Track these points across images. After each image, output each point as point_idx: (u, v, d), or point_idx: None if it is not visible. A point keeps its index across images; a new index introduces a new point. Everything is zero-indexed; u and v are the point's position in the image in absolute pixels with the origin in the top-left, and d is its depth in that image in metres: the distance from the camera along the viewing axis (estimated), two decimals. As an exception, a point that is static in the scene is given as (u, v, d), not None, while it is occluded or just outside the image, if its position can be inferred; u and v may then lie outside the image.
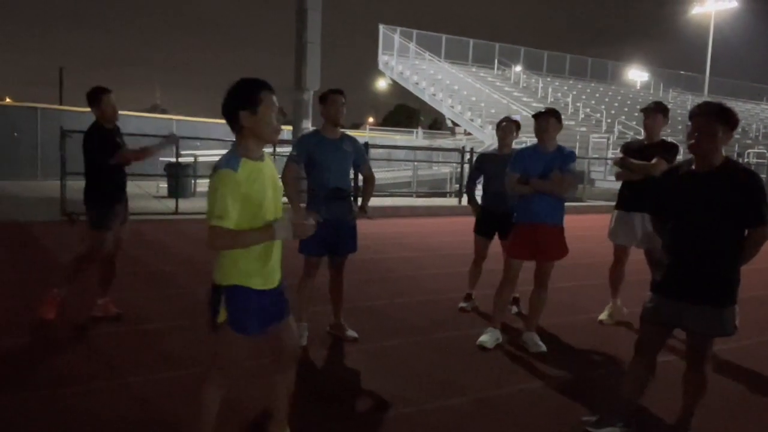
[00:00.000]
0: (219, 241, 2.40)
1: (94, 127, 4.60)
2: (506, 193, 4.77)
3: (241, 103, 2.46)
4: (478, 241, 5.51)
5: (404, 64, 31.49)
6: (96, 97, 4.56)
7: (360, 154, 4.53)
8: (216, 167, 2.44)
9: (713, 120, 2.89)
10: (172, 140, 5.52)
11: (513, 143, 5.40)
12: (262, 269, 2.55)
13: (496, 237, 5.38)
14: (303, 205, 4.34)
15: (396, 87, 34.49)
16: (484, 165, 5.50)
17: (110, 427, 3.12)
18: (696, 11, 47.27)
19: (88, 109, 4.60)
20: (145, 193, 13.12)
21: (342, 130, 4.44)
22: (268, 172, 2.56)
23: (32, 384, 3.57)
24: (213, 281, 2.55)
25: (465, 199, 14.40)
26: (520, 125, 5.45)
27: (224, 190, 2.38)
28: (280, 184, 2.65)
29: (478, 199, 5.58)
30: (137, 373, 3.79)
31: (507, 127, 5.31)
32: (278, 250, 2.64)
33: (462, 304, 5.60)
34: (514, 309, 5.53)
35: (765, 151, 25.09)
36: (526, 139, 14.94)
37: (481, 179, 5.54)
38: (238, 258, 2.49)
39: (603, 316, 5.44)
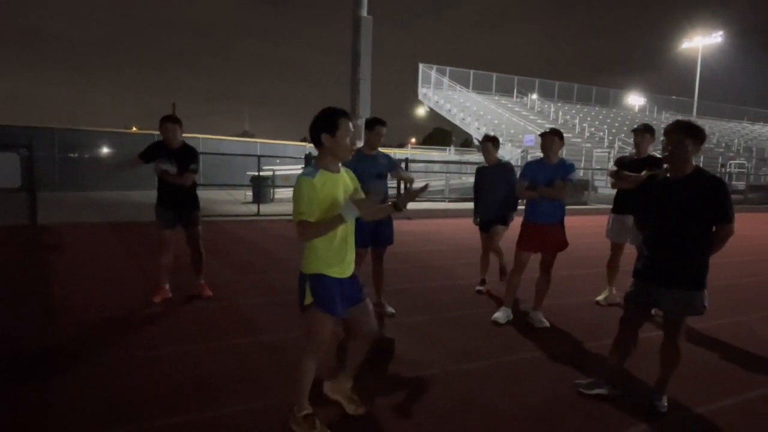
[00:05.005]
0: (304, 231, 2.41)
1: (154, 144, 4.66)
2: (496, 201, 5.13)
3: (323, 127, 2.47)
4: (482, 237, 5.58)
5: (439, 94, 31.37)
6: (160, 123, 4.58)
7: (392, 163, 4.55)
8: (299, 176, 2.48)
9: (683, 135, 2.80)
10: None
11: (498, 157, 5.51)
12: (339, 262, 2.55)
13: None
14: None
15: (433, 113, 34.35)
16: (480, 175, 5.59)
17: (208, 377, 3.25)
18: (685, 46, 45.93)
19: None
20: (235, 199, 13.54)
21: (379, 149, 4.49)
22: (341, 181, 2.56)
23: (149, 343, 3.75)
24: (300, 270, 2.57)
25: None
26: (498, 142, 5.52)
27: (305, 194, 2.40)
28: (351, 189, 2.62)
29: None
30: (225, 338, 3.93)
31: (484, 146, 5.43)
32: (352, 249, 2.63)
33: (478, 288, 5.58)
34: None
35: (745, 162, 24.06)
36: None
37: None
38: (319, 250, 2.50)
39: (600, 297, 5.32)
